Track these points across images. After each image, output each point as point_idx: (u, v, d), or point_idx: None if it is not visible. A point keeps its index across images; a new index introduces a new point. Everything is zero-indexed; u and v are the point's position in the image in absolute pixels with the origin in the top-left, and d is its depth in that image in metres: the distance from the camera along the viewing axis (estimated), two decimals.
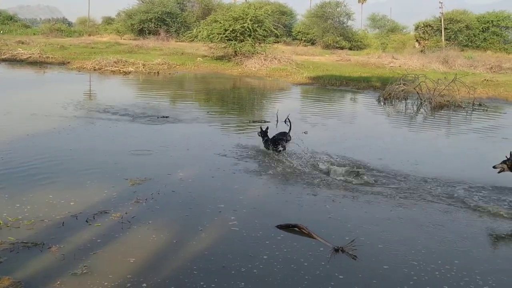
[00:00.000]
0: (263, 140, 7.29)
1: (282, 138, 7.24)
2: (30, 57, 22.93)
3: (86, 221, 4.38)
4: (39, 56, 23.13)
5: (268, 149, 7.15)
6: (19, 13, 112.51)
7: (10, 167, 5.92)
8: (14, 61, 22.28)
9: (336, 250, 3.99)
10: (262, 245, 4.09)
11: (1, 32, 46.80)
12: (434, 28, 46.79)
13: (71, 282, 3.38)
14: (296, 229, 4.37)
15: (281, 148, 7.09)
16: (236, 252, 3.94)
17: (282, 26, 37.05)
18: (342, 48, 46.38)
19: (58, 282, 3.35)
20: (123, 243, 4.01)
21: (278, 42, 32.51)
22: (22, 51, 23.76)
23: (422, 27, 47.73)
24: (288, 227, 4.42)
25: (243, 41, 24.79)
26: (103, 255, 3.78)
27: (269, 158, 6.91)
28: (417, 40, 47.72)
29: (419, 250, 4.12)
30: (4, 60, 22.33)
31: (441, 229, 4.62)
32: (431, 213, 5.02)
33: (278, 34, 27.83)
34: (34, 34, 47.31)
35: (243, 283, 3.47)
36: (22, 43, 30.04)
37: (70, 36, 46.78)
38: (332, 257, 3.89)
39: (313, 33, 51.95)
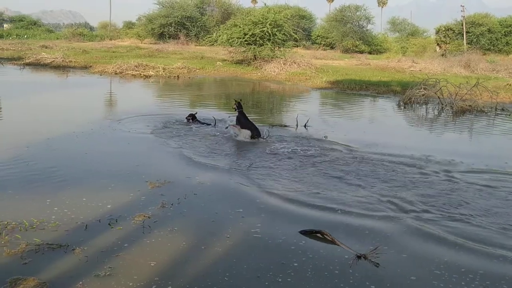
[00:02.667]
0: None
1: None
2: (53, 61, 23.40)
3: (109, 224, 4.42)
4: (62, 60, 23.61)
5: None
6: (42, 18, 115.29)
7: (32, 170, 6.01)
8: (38, 65, 22.73)
9: (359, 257, 3.93)
10: (290, 252, 4.04)
11: (26, 36, 47.95)
12: (456, 31, 46.24)
13: (95, 283, 3.41)
14: (319, 235, 4.33)
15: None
16: (266, 260, 3.88)
17: (301, 30, 37.00)
18: (361, 52, 46.20)
19: (81, 283, 3.39)
20: (147, 247, 4.02)
21: (297, 46, 32.55)
22: (46, 56, 24.25)
23: (443, 30, 47.26)
24: (311, 233, 4.37)
25: (263, 45, 24.87)
26: (127, 258, 3.80)
27: (281, 160, 6.89)
28: (438, 44, 47.21)
29: (442, 259, 4.03)
30: (28, 64, 22.81)
31: (460, 237, 4.51)
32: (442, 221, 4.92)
33: (298, 38, 27.81)
34: (57, 38, 48.38)
35: None
36: (46, 47, 30.75)
37: (92, 41, 47.68)
38: (353, 264, 3.84)
39: (333, 37, 51.90)
